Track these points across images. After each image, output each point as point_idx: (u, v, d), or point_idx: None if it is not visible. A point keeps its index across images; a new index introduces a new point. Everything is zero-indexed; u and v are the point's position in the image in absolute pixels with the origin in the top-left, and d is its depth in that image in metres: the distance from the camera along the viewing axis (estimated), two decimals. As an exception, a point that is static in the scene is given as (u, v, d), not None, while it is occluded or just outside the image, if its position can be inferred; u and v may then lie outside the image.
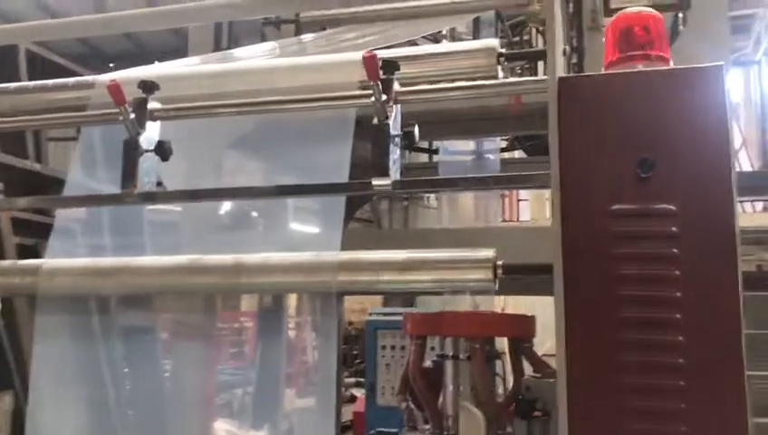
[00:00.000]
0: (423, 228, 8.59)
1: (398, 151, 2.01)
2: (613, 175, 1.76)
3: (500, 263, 1.99)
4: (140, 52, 15.82)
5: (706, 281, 1.68)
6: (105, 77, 2.50)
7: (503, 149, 6.79)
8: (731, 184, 1.70)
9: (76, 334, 2.44)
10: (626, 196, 1.74)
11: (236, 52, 3.28)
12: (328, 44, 3.10)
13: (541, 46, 7.33)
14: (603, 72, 2.00)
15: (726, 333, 1.67)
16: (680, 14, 4.54)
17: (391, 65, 1.99)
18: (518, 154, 7.57)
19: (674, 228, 1.70)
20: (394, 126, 2.00)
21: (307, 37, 3.36)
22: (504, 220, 12.95)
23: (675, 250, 1.69)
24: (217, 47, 5.13)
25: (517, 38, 7.27)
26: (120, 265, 2.29)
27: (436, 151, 6.48)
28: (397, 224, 10.94)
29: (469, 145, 5.85)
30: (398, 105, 2.02)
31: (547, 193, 1.85)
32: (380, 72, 1.95)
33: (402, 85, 2.06)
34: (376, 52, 2.01)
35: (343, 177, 2.18)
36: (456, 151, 5.94)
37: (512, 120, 4.57)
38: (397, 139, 2.01)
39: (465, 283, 2.05)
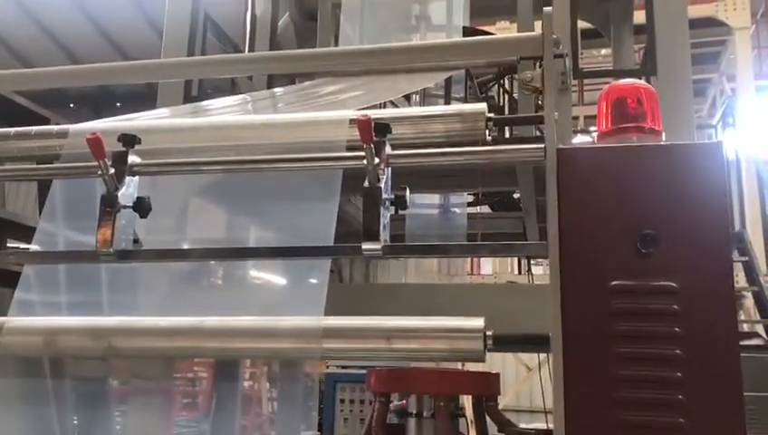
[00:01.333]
0: (392, 283, 8.50)
1: (388, 215, 1.96)
2: (612, 250, 1.73)
3: (489, 333, 1.93)
4: (102, 93, 15.64)
5: (708, 360, 1.65)
6: (77, 127, 2.41)
7: (469, 204, 6.79)
8: (731, 260, 1.68)
9: (30, 388, 2.32)
10: (626, 272, 1.71)
11: (207, 104, 3.21)
12: (300, 99, 3.06)
13: (506, 105, 7.43)
14: (596, 142, 1.99)
15: (729, 412, 1.63)
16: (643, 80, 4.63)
17: (384, 128, 1.94)
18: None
19: (675, 306, 1.66)
20: (385, 189, 1.95)
21: (279, 90, 3.33)
22: (468, 274, 12.93)
23: (676, 329, 1.65)
24: (187, 94, 5.06)
25: (483, 95, 7.33)
26: (109, 326, 2.15)
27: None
28: (357, 274, 10.84)
29: (435, 198, 5.85)
30: (389, 168, 1.98)
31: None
32: (373, 135, 1.91)
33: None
34: (367, 112, 1.97)
35: (329, 236, 2.11)
36: (423, 204, 5.92)
37: (480, 176, 4.56)
38: (387, 202, 1.96)
39: (453, 353, 1.98)
